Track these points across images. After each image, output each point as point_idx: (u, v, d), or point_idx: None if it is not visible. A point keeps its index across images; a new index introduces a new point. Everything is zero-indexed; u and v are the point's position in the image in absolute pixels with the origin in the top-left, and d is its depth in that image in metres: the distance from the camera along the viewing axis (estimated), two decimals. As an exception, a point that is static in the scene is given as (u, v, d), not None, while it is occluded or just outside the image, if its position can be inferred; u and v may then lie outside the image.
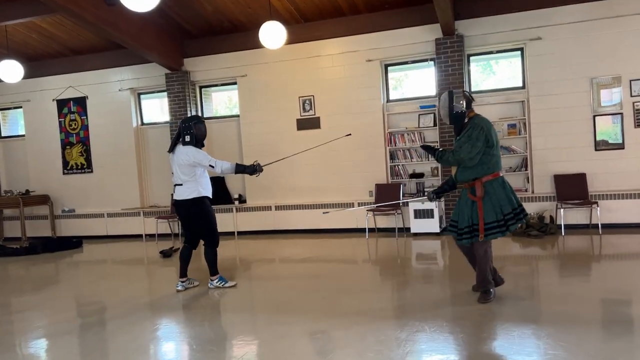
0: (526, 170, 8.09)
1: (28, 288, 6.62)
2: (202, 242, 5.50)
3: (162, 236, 9.46)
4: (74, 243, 9.51)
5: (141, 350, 3.94)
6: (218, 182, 9.60)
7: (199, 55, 9.57)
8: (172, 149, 5.34)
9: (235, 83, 9.50)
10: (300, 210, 9.09)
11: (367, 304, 4.72)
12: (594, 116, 7.71)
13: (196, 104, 9.80)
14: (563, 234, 7.41)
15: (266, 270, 6.80)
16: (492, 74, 8.74)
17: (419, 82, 8.93)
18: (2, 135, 11.43)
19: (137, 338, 4.20)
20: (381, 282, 5.88)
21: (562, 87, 7.78)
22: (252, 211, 9.38)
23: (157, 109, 10.52)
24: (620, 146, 7.64)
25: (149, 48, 8.89)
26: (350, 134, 7.01)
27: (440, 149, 4.59)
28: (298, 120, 9.09)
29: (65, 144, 10.67)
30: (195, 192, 5.20)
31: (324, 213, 7.14)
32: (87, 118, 10.49)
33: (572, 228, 7.66)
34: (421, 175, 8.61)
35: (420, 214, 8.06)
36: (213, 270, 5.46)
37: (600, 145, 7.73)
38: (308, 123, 9.03)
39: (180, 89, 9.57)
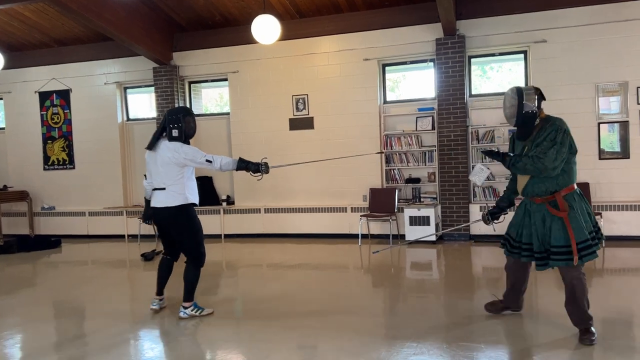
0: (527, 177, 7.78)
1: (1, 291, 6.18)
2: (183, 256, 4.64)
3: (145, 237, 9.03)
4: (52, 242, 9.07)
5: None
6: (205, 182, 9.22)
7: (189, 49, 9.18)
8: (152, 146, 4.41)
9: (226, 79, 9.12)
10: (291, 213, 8.72)
11: (361, 319, 4.36)
12: (599, 123, 7.43)
13: (185, 100, 9.40)
14: (564, 245, 7.10)
15: (253, 278, 6.41)
16: (491, 77, 8.42)
17: (418, 83, 8.61)
18: (-18, 127, 10.96)
19: (116, 354, 3.80)
20: (374, 294, 5.53)
21: (566, 92, 7.49)
22: (240, 213, 9.00)
23: (144, 104, 10.10)
24: (625, 155, 7.36)
25: (136, 40, 8.48)
26: (383, 152, 7.19)
27: (512, 154, 3.84)
28: (291, 120, 8.73)
29: (47, 139, 10.22)
30: (181, 197, 4.31)
31: (374, 253, 6.72)
32: (70, 112, 10.05)
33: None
34: (417, 180, 8.27)
35: (415, 220, 7.73)
36: (189, 295, 4.46)
37: (605, 154, 7.44)
38: (301, 123, 8.67)
39: (169, 84, 9.16)
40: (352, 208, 8.40)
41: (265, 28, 7.13)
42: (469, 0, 7.71)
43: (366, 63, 8.33)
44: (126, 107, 9.92)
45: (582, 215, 3.61)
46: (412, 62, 8.35)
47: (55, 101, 10.12)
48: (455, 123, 7.87)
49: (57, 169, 10.20)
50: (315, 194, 8.68)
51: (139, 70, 9.44)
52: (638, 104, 7.27)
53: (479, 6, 7.75)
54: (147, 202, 4.56)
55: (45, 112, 10.21)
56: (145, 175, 4.61)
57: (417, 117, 8.27)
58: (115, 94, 9.74)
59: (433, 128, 8.11)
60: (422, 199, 8.18)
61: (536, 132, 3.69)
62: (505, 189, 4.24)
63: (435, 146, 8.07)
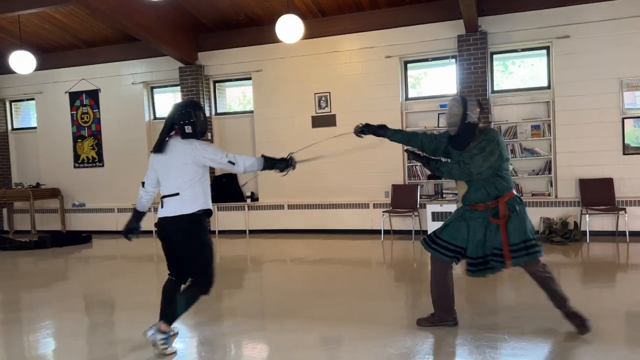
0: (550, 173, 7.78)
1: (36, 284, 6.45)
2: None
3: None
4: (83, 238, 9.37)
5: (148, 354, 3.74)
6: (230, 179, 9.42)
7: (214, 49, 9.37)
8: (162, 148, 3.72)
9: (249, 78, 9.29)
10: (314, 209, 8.86)
11: (384, 311, 4.48)
12: (623, 118, 7.39)
13: (209, 99, 9.60)
14: (588, 241, 7.11)
15: (278, 272, 6.58)
16: (513, 72, 8.41)
17: (439, 80, 8.65)
18: (14, 127, 11.33)
19: (144, 342, 3.99)
20: (397, 288, 5.63)
21: (589, 87, 7.47)
22: (264, 210, 9.17)
23: (170, 103, 10.32)
24: (650, 150, 7.32)
25: (163, 41, 8.71)
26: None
27: (437, 158, 3.89)
28: (313, 118, 8.86)
29: (77, 137, 10.54)
30: (198, 203, 3.66)
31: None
32: (99, 111, 10.34)
33: (597, 235, 7.35)
34: (440, 176, 8.32)
35: (438, 216, 7.80)
36: (171, 317, 3.67)
37: (629, 149, 7.40)
38: (323, 120, 8.80)
39: (194, 83, 9.37)
40: (374, 204, 8.50)
41: (289, 28, 7.26)
42: (491, -3, 7.74)
43: (388, 60, 8.41)
44: (153, 106, 10.17)
45: (525, 218, 3.69)
46: (433, 59, 8.40)
47: (85, 101, 10.42)
48: (478, 119, 7.90)
49: (86, 166, 10.51)
50: (338, 191, 8.80)
51: (165, 70, 9.67)
52: (663, 98, 7.23)
53: (500, 2, 7.77)
54: (138, 213, 3.95)
55: (75, 112, 10.52)
56: (142, 183, 3.89)
57: (439, 114, 8.32)
58: (142, 94, 9.99)
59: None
60: (444, 195, 8.24)
61: (474, 144, 3.66)
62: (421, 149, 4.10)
63: (457, 142, 8.11)
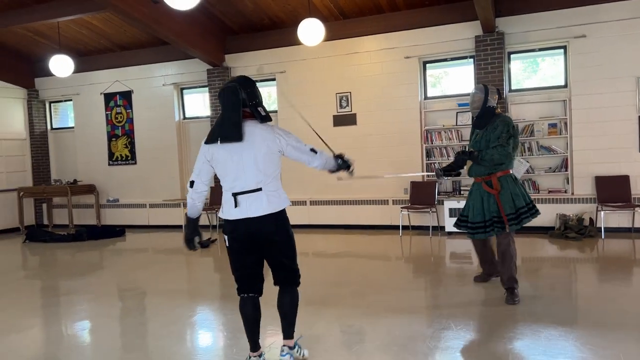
0: (566, 170, 7.92)
1: (74, 273, 6.96)
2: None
3: (201, 227, 9.72)
4: (117, 232, 9.90)
5: (176, 334, 4.12)
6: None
7: (240, 51, 9.77)
8: (239, 135, 3.04)
9: (274, 79, 9.66)
10: (335, 205, 9.19)
11: (396, 300, 4.77)
12: (639, 117, 7.47)
13: (236, 99, 9.99)
14: (603, 237, 7.23)
15: (299, 264, 6.92)
16: (533, 72, 8.55)
17: (458, 79, 8.85)
18: (53, 127, 11.98)
19: (173, 323, 4.39)
20: (412, 279, 5.90)
21: (606, 86, 7.57)
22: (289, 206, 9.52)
23: (199, 103, 10.79)
24: (667, 148, 7.39)
25: (192, 44, 9.14)
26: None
27: (476, 150, 4.52)
28: (335, 117, 9.18)
29: (111, 136, 11.10)
30: (284, 197, 3.18)
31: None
32: (132, 111, 10.87)
33: (613, 231, 7.46)
34: (458, 173, 8.50)
35: (455, 212, 8.01)
36: (293, 328, 3.36)
37: (646, 147, 7.48)
38: (344, 119, 9.10)
39: (221, 84, 9.76)
40: (393, 201, 8.76)
41: (310, 31, 7.59)
42: (508, -2, 7.91)
43: (407, 61, 8.66)
44: (182, 107, 10.64)
45: (513, 194, 4.45)
46: (452, 59, 8.61)
47: (119, 102, 10.97)
48: (495, 118, 8.08)
49: (120, 164, 11.06)
50: (359, 187, 9.07)
51: (194, 72, 10.12)
52: (680, 96, 7.28)
53: (517, 3, 7.93)
54: (194, 221, 3.30)
55: (109, 112, 11.08)
56: (191, 183, 3.22)
57: (457, 112, 8.53)
58: (172, 95, 10.47)
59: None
60: (461, 192, 8.45)
61: (491, 124, 4.52)
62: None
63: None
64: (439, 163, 8.62)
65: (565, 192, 7.93)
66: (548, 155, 8.01)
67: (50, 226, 11.28)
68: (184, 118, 10.64)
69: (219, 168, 3.13)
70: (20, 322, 4.68)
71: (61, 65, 9.26)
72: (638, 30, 7.40)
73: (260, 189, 3.08)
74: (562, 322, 3.88)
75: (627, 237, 7.24)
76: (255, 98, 3.14)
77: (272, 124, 3.21)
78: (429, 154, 8.70)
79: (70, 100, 11.51)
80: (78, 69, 10.17)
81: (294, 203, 9.41)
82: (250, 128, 3.09)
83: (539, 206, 4.68)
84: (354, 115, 9.05)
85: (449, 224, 8.05)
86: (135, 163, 10.88)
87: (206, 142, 3.13)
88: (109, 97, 11.04)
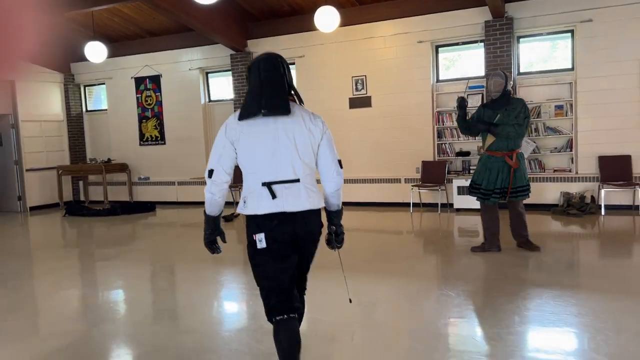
0: (571, 151, 8.25)
1: (109, 243, 7.70)
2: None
3: (226, 204, 10.39)
4: (148, 207, 10.64)
5: (204, 294, 4.75)
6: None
7: (262, 37, 10.27)
8: (284, 107, 2.51)
9: (293, 63, 10.14)
10: (351, 184, 9.69)
11: (403, 267, 5.31)
12: (643, 98, 7.74)
13: (258, 83, 10.52)
14: (603, 213, 7.59)
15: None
16: (541, 56, 8.83)
17: (469, 63, 9.19)
18: (88, 109, 12.75)
19: (199, 285, 5.02)
20: (425, 251, 6.42)
21: (611, 69, 7.85)
22: (307, 183, 10.08)
23: (223, 86, 11.36)
24: (669, 129, 7.65)
25: (215, 31, 9.69)
26: None
27: (494, 123, 5.34)
28: (350, 99, 9.64)
29: (142, 118, 11.79)
30: (321, 197, 2.66)
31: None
32: (161, 94, 11.52)
33: (615, 209, 7.80)
34: (467, 153, 8.96)
35: (463, 190, 8.45)
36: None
37: (648, 128, 7.76)
38: (360, 102, 9.56)
39: (244, 69, 10.32)
40: (405, 179, 9.24)
41: (327, 17, 8.04)
42: (517, -17, 8.19)
43: (420, 45, 9.04)
44: (208, 90, 11.24)
45: (524, 171, 5.45)
46: (463, 43, 8.96)
47: (148, 85, 11.63)
48: (503, 100, 8.43)
49: (150, 144, 11.76)
50: (373, 167, 9.57)
51: (218, 56, 10.68)
52: (683, 79, 7.52)
53: (527, -11, 8.21)
54: (215, 219, 2.77)
55: (140, 95, 11.76)
56: (210, 172, 2.65)
57: (467, 94, 8.88)
58: (198, 79, 11.07)
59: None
60: (470, 171, 8.86)
61: (510, 105, 5.33)
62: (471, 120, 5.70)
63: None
64: (449, 143, 9.04)
65: (570, 171, 8.28)
66: (554, 136, 8.35)
67: (86, 202, 12.11)
68: (209, 101, 11.24)
69: (248, 151, 2.52)
70: (64, 283, 5.39)
71: (95, 51, 9.93)
72: (643, 15, 7.63)
73: (298, 180, 2.53)
74: (564, 287, 4.37)
75: (627, 214, 7.59)
76: (292, 78, 2.65)
77: (310, 111, 2.65)
78: (440, 134, 9.12)
79: (104, 83, 12.22)
80: (110, 55, 10.81)
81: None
82: (294, 108, 2.55)
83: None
84: (369, 97, 9.51)
85: (458, 201, 8.51)
86: (165, 143, 11.56)
87: (241, 118, 2.52)
88: (139, 81, 11.70)
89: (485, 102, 6.81)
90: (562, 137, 8.33)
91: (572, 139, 8.24)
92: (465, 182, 8.43)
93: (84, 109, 12.71)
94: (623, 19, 7.73)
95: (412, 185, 8.89)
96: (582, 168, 8.17)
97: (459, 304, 4.08)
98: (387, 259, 5.69)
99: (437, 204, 8.76)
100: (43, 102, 11.97)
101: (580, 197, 7.84)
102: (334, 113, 9.69)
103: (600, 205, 7.69)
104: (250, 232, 2.53)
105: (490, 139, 5.40)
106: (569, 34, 8.24)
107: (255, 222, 2.51)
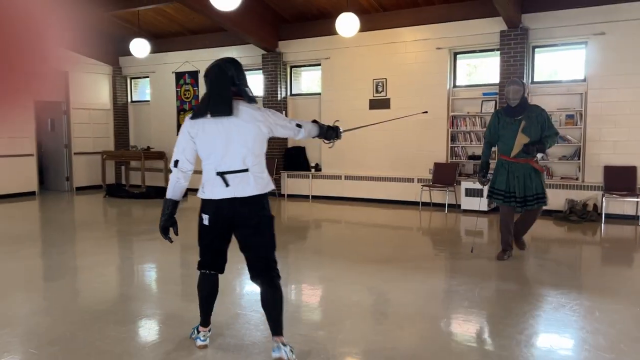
0: (578, 159, 8.47)
1: (145, 222, 8.53)
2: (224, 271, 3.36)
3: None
4: (180, 193, 11.45)
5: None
6: (300, 151, 11.00)
7: (291, 38, 10.89)
8: (226, 109, 2.99)
9: (319, 64, 10.72)
10: (367, 181, 10.20)
11: (410, 258, 5.83)
12: (652, 112, 7.89)
13: (286, 82, 11.18)
14: (603, 221, 7.81)
15: (332, 229, 8.15)
16: (555, 65, 9.06)
17: (485, 70, 9.52)
18: (133, 99, 13.75)
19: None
20: (433, 247, 6.90)
21: (621, 81, 8.02)
22: (325, 179, 10.68)
23: (256, 84, 12.05)
24: (676, 143, 7.78)
25: (248, 32, 10.38)
26: (426, 112, 6.49)
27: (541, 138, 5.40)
28: (371, 100, 10.14)
29: (180, 110, 12.66)
30: (270, 181, 3.18)
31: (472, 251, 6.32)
32: (198, 89, 12.34)
33: (618, 218, 7.99)
34: (479, 157, 9.27)
35: (470, 192, 8.82)
36: (281, 324, 3.12)
37: (656, 141, 7.91)
38: (379, 103, 10.04)
39: (274, 68, 10.99)
40: (418, 179, 9.66)
41: (347, 23, 8.56)
42: (534, -5, 8.47)
43: (438, 51, 9.43)
44: (240, 86, 11.95)
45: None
46: (480, 51, 9.29)
47: (187, 80, 12.47)
48: (515, 107, 8.74)
49: (186, 135, 12.60)
50: (388, 166, 10.04)
51: (251, 55, 11.37)
52: (693, 94, 7.63)
53: (543, 1, 8.47)
54: (174, 204, 3.25)
55: (179, 89, 12.63)
56: (175, 162, 3.18)
57: (482, 101, 9.24)
58: (232, 75, 11.79)
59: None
60: (478, 181, 9.18)
61: (531, 113, 5.42)
62: (483, 157, 5.91)
63: (496, 127, 9.01)
64: (462, 147, 9.40)
65: (577, 179, 8.50)
66: (563, 145, 8.58)
67: (127, 185, 13.10)
68: (242, 96, 11.95)
69: (204, 145, 3.04)
70: (103, 253, 6.19)
71: (139, 47, 10.81)
72: (656, 29, 7.78)
73: (247, 170, 3.02)
74: (561, 286, 4.79)
75: (628, 224, 7.77)
76: (242, 78, 3.13)
77: (260, 106, 3.19)
78: (453, 138, 9.49)
79: (147, 77, 13.17)
80: (154, 50, 11.69)
81: (331, 177, 10.57)
82: (239, 106, 3.02)
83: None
84: (388, 99, 9.97)
85: (465, 202, 8.88)
86: (199, 134, 12.34)
87: (192, 118, 3.07)
88: (179, 76, 12.56)
89: (498, 108, 6.72)
90: (570, 145, 8.56)
91: (580, 148, 8.46)
92: (472, 185, 8.80)
93: (129, 100, 13.71)
94: (635, 34, 7.89)
95: (422, 186, 9.31)
96: (588, 177, 8.39)
97: (466, 298, 4.58)
98: (404, 253, 6.21)
99: (446, 204, 9.16)
100: (92, 92, 13.03)
101: (583, 205, 8.07)
102: (354, 113, 10.20)
103: (601, 214, 7.90)
104: (200, 210, 3.16)
105: (518, 148, 5.36)
106: (583, 46, 8.45)
107: (206, 204, 3.12)
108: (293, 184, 11.00)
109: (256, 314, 3.81)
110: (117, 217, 9.42)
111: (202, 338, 3.34)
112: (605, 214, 7.91)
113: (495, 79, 9.13)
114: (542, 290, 4.59)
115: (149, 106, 13.21)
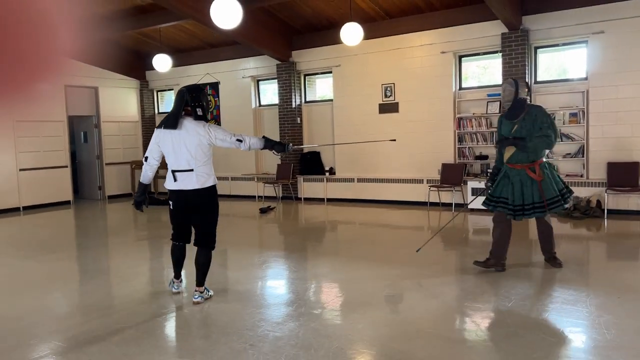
0: (582, 157, 8.60)
1: (168, 226, 9.13)
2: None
3: (269, 198, 11.64)
4: (204, 199, 12.07)
5: (250, 270, 5.91)
6: (314, 156, 11.43)
7: (303, 48, 11.35)
8: (175, 124, 4.14)
9: (331, 72, 11.13)
10: (378, 183, 10.54)
11: (405, 255, 6.19)
12: (653, 107, 7.97)
13: (300, 90, 11.65)
14: (605, 217, 7.93)
15: (346, 230, 8.58)
16: (557, 65, 9.19)
17: (489, 72, 9.73)
18: (160, 111, 14.49)
19: (247, 263, 6.20)
20: (440, 245, 7.23)
21: (622, 79, 8.13)
22: (339, 182, 11.07)
23: (270, 93, 12.58)
24: (679, 137, 7.83)
25: (262, 45, 10.91)
26: (394, 140, 7.18)
27: (521, 138, 4.88)
28: (380, 105, 10.48)
29: (203, 120, 13.26)
30: (212, 178, 4.28)
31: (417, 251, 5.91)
32: (219, 99, 12.95)
33: (622, 214, 8.09)
34: (486, 157, 9.52)
35: (477, 192, 9.04)
36: (204, 279, 4.45)
37: (658, 136, 7.98)
38: (388, 107, 10.38)
39: (288, 77, 11.47)
40: (427, 180, 9.94)
41: (351, 33, 8.94)
42: (534, -3, 8.66)
43: (443, 55, 9.70)
44: (258, 96, 12.51)
45: (553, 180, 4.94)
46: (484, 53, 9.52)
47: (209, 91, 13.08)
48: (518, 107, 8.94)
49: (209, 143, 13.22)
50: (398, 168, 10.35)
51: (267, 66, 11.90)
52: (694, 88, 7.68)
53: (542, 3, 8.65)
54: (145, 186, 4.49)
55: (201, 100, 13.24)
56: (146, 158, 4.37)
57: (487, 102, 9.46)
58: (250, 86, 12.36)
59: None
60: (488, 174, 9.41)
61: (524, 115, 4.92)
62: (495, 162, 5.45)
63: (501, 128, 9.22)
64: (469, 147, 9.64)
65: (581, 176, 8.62)
66: (567, 142, 8.73)
67: (155, 193, 13.82)
68: (259, 105, 12.50)
69: (163, 149, 4.24)
70: (135, 255, 6.78)
71: (162, 62, 11.47)
72: (655, 26, 7.86)
73: (191, 170, 4.15)
74: (569, 282, 5.08)
75: (632, 220, 7.87)
76: (197, 101, 4.21)
77: (205, 123, 4.23)
78: (460, 139, 9.74)
79: (172, 89, 13.86)
80: (177, 64, 12.36)
81: (343, 180, 10.96)
82: (187, 122, 4.17)
83: None
84: (397, 104, 10.30)
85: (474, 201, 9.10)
86: (221, 142, 12.94)
87: (158, 127, 4.28)
88: (201, 87, 13.18)
89: (502, 112, 6.18)
90: (574, 143, 8.70)
91: (583, 145, 8.59)
92: (478, 184, 9.03)
93: (156, 111, 14.45)
94: (633, 31, 7.99)
95: (429, 186, 9.59)
96: (592, 173, 8.50)
97: (472, 294, 4.93)
98: (398, 249, 6.58)
99: (457, 203, 9.41)
100: (122, 105, 13.83)
101: (587, 201, 8.20)
102: (365, 117, 10.58)
103: (604, 210, 8.02)
104: (168, 198, 4.47)
105: (509, 151, 4.97)
106: (584, 45, 8.58)
107: (170, 193, 4.39)
108: (309, 187, 11.44)
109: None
110: (147, 223, 10.08)
111: (175, 287, 4.72)
112: (608, 210, 8.03)
113: (499, 80, 9.33)
114: (554, 286, 4.86)
115: (175, 117, 13.87)
